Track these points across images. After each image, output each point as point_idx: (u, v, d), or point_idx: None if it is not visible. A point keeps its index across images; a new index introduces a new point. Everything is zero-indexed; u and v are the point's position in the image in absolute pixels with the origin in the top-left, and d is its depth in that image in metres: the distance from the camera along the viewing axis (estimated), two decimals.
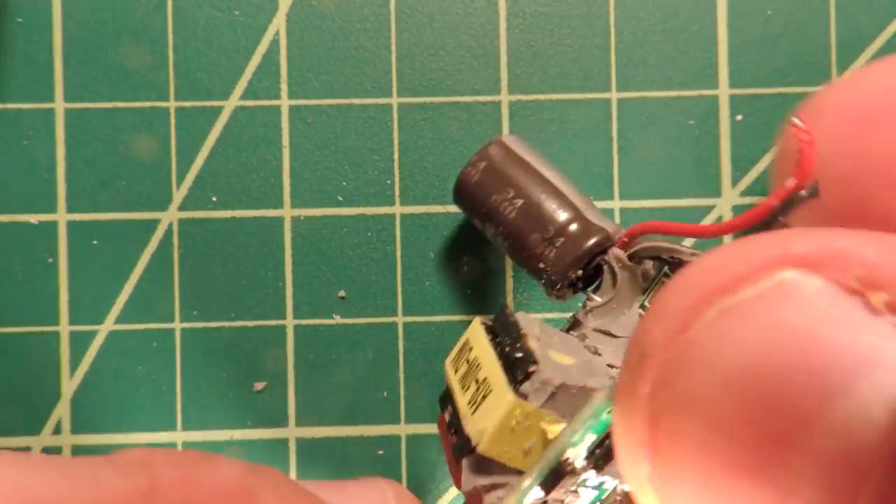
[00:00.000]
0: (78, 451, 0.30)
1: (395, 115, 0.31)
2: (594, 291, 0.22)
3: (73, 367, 0.30)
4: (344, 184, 0.31)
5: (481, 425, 0.18)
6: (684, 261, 0.21)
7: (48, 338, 0.30)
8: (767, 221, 0.17)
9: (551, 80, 0.31)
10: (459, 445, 0.19)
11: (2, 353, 0.30)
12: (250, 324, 0.30)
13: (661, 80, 0.31)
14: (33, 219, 0.30)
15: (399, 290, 0.30)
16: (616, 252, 0.22)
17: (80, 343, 0.30)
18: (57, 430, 0.30)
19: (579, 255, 0.22)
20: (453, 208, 0.31)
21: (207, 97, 0.31)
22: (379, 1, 0.31)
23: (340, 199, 0.31)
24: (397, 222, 0.30)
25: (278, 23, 0.31)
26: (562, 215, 0.23)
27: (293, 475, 0.30)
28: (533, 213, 0.23)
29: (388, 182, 0.31)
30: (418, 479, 0.30)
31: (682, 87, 0.30)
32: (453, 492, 0.30)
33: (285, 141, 0.31)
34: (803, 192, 0.16)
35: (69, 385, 0.30)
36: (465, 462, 0.18)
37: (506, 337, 0.20)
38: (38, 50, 0.30)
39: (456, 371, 0.21)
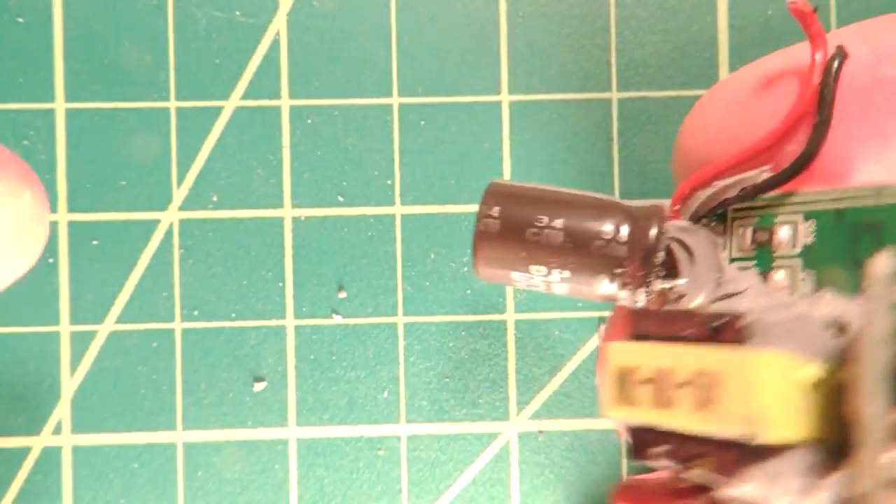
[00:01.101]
0: (78, 451, 0.30)
1: (396, 115, 0.31)
2: (672, 278, 0.20)
3: (74, 366, 0.30)
4: (344, 184, 0.31)
5: (740, 414, 0.14)
6: (755, 182, 0.19)
7: (49, 338, 0.30)
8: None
9: (551, 80, 0.31)
10: (723, 459, 0.15)
11: (2, 353, 0.30)
12: (250, 324, 0.30)
13: (661, 80, 0.31)
14: None
15: (399, 290, 0.30)
16: (675, 224, 0.20)
17: (80, 343, 0.30)
18: (57, 430, 0.30)
19: (651, 240, 0.20)
20: (453, 208, 0.31)
21: (208, 97, 0.31)
22: (379, 1, 0.31)
23: (340, 199, 0.31)
24: (397, 222, 0.31)
25: (279, 23, 0.31)
26: (607, 212, 0.21)
27: (293, 475, 0.30)
28: (581, 225, 0.21)
29: (388, 182, 0.31)
30: (418, 479, 0.30)
31: (683, 87, 0.30)
32: (453, 492, 0.30)
33: (286, 141, 0.31)
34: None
35: (69, 385, 0.30)
36: (751, 473, 0.15)
37: (668, 325, 0.17)
38: (38, 50, 0.30)
39: (636, 404, 0.17)
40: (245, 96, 0.31)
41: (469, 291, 0.30)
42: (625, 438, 0.18)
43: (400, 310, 0.30)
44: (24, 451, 0.30)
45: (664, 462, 0.17)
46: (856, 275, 0.17)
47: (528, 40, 0.31)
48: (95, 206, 0.31)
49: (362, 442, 0.30)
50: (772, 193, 0.20)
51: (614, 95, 0.31)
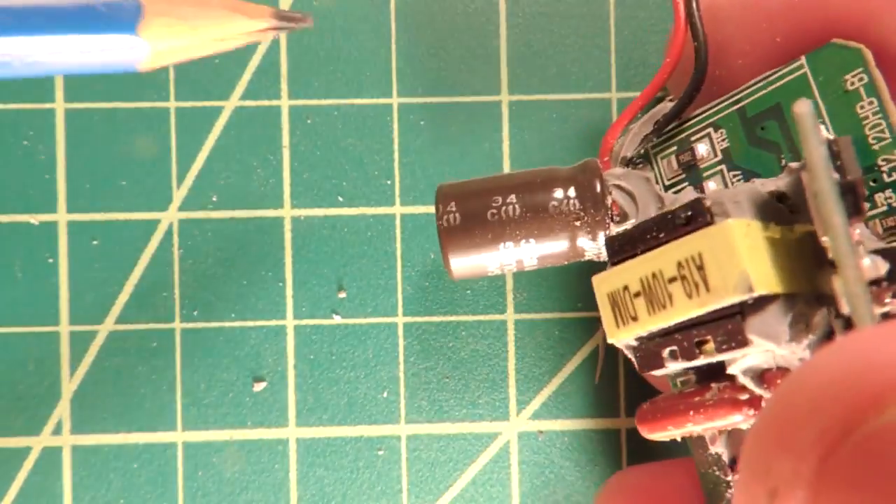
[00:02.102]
0: (78, 451, 0.30)
1: (396, 115, 0.31)
2: (623, 220, 0.22)
3: (74, 366, 0.30)
4: (344, 184, 0.31)
5: (729, 280, 0.16)
6: (664, 113, 0.22)
7: (48, 338, 0.30)
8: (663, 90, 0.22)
9: (551, 80, 0.31)
10: (726, 331, 0.17)
11: (2, 353, 0.30)
12: (250, 324, 0.30)
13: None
14: (33, 219, 0.30)
15: (399, 290, 0.30)
16: (610, 172, 0.22)
17: (80, 343, 0.30)
18: (57, 430, 0.30)
19: (597, 189, 0.22)
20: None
21: (207, 97, 0.31)
22: (379, 1, 0.31)
23: (340, 199, 0.31)
24: (397, 222, 0.31)
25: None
26: (551, 179, 0.22)
27: (293, 475, 0.30)
28: (534, 195, 0.22)
29: (388, 182, 0.31)
30: (418, 479, 0.30)
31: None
32: (453, 492, 0.30)
33: (285, 141, 0.31)
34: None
35: (69, 385, 0.30)
36: (753, 319, 0.16)
37: (643, 240, 0.18)
38: None
39: (635, 319, 0.18)
40: (245, 96, 0.31)
41: (469, 291, 0.30)
42: (632, 359, 0.19)
43: (400, 310, 0.30)
44: (24, 451, 0.30)
45: (673, 364, 0.18)
46: (776, 158, 0.20)
47: (527, 40, 0.31)
48: (95, 206, 0.31)
49: (362, 442, 0.30)
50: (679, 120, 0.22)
51: (614, 96, 0.31)
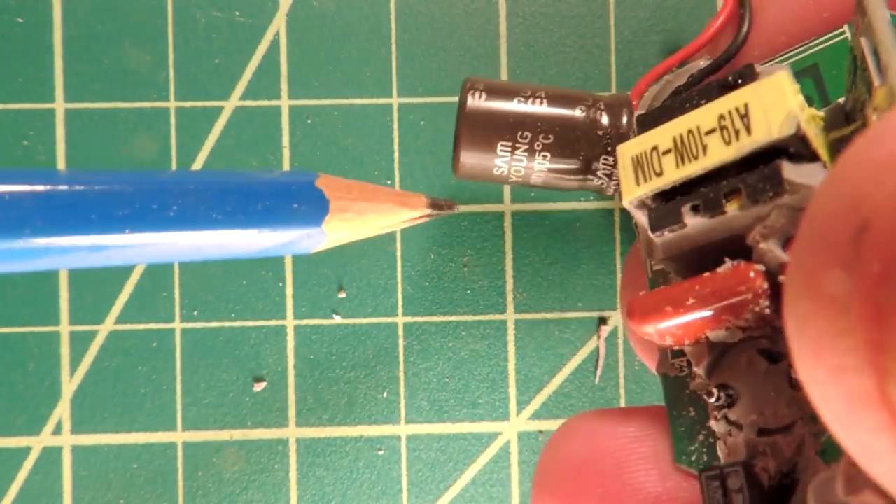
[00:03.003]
0: (78, 451, 0.30)
1: (396, 115, 0.31)
2: None
3: (74, 367, 0.30)
4: None
5: (775, 120, 0.15)
6: (700, 68, 0.22)
7: (48, 337, 0.30)
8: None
9: (552, 80, 0.31)
10: (762, 176, 0.15)
11: (2, 353, 0.30)
12: (250, 323, 0.30)
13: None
14: None
15: (399, 289, 0.30)
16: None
17: (80, 343, 0.30)
18: (57, 430, 0.30)
19: (628, 116, 0.21)
20: None
21: (207, 97, 0.31)
22: (379, 1, 0.31)
23: None
24: None
25: (278, 23, 0.31)
26: (585, 95, 0.22)
27: (293, 475, 0.30)
28: (562, 94, 0.21)
29: (389, 182, 0.31)
30: (418, 479, 0.30)
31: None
32: (453, 492, 0.30)
33: (285, 141, 0.31)
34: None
35: (69, 385, 0.30)
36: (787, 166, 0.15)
37: (682, 109, 0.17)
38: (38, 50, 0.30)
39: (659, 174, 0.17)
40: (245, 96, 0.31)
41: (469, 291, 0.30)
42: (644, 222, 0.18)
43: (400, 310, 0.30)
44: (24, 451, 0.30)
45: (693, 220, 0.17)
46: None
47: (527, 40, 0.31)
48: None
49: (362, 442, 0.30)
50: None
51: None
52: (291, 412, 0.30)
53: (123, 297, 0.30)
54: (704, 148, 0.16)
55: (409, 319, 0.30)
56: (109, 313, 0.30)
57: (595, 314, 0.30)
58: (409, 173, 0.31)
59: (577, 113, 0.21)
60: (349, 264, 0.31)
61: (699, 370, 0.18)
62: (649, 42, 0.31)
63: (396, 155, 0.31)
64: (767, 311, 0.15)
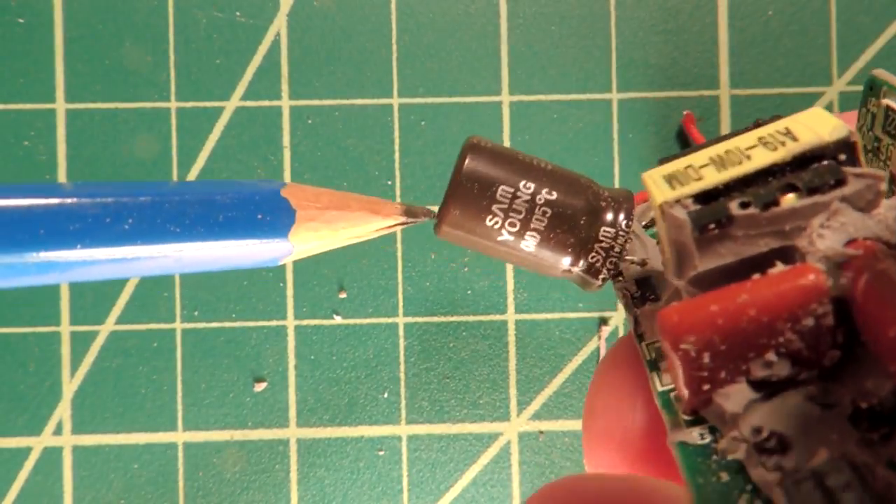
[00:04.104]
0: (79, 451, 0.30)
1: (396, 116, 0.31)
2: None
3: (74, 367, 0.30)
4: (344, 184, 0.31)
5: (823, 130, 0.15)
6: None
7: (49, 338, 0.30)
8: None
9: (552, 80, 0.31)
10: (819, 170, 0.15)
11: (3, 353, 0.30)
12: (251, 324, 0.30)
13: (661, 80, 0.31)
14: None
15: (399, 290, 0.30)
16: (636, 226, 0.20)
17: (81, 343, 0.30)
18: (58, 431, 0.30)
19: (630, 216, 0.20)
20: None
21: (208, 97, 0.31)
22: (380, 1, 0.31)
23: None
24: None
25: (279, 23, 0.31)
26: (587, 180, 0.21)
27: (294, 476, 0.30)
28: (566, 175, 0.20)
29: (389, 182, 0.31)
30: (419, 479, 0.30)
31: (683, 88, 0.30)
32: (454, 492, 0.30)
33: (286, 141, 0.31)
34: None
35: (70, 385, 0.30)
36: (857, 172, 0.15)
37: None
38: (39, 50, 0.30)
39: (699, 179, 0.16)
40: (245, 96, 0.31)
41: (470, 292, 0.30)
42: (685, 219, 0.16)
43: (400, 310, 0.30)
44: (25, 451, 0.30)
45: (743, 213, 0.15)
46: None
47: (528, 41, 0.31)
48: None
49: (363, 442, 0.30)
50: None
51: (614, 96, 0.31)
52: (292, 412, 0.30)
53: (124, 297, 0.30)
54: (748, 157, 0.16)
55: (410, 320, 0.30)
56: (110, 314, 0.30)
57: (595, 315, 0.30)
58: (410, 173, 0.31)
59: (581, 202, 0.20)
60: (350, 265, 0.31)
61: (738, 410, 0.16)
62: (650, 43, 0.31)
63: (397, 155, 0.31)
64: (829, 319, 0.14)
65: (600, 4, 0.31)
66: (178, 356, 0.30)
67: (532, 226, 0.20)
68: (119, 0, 0.31)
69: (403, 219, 0.21)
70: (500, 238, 0.20)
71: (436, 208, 0.20)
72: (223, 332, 0.30)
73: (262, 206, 0.18)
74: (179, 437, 0.30)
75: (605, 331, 0.30)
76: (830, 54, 0.30)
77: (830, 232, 0.15)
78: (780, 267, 0.15)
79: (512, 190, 0.20)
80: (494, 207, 0.20)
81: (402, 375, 0.30)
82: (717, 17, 0.31)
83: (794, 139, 0.15)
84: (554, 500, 0.16)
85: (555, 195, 0.20)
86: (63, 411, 0.30)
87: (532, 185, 0.20)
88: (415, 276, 0.30)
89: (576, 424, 0.30)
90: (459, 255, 0.31)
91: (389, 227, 0.21)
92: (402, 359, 0.30)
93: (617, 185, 0.30)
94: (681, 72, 0.31)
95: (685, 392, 0.15)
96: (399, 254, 0.31)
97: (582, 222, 0.20)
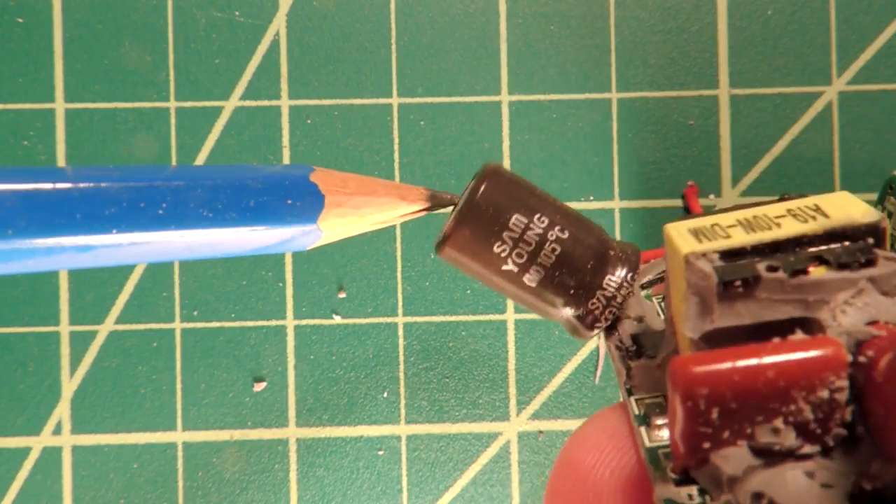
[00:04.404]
0: (78, 451, 0.30)
1: (396, 116, 0.31)
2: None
3: (74, 367, 0.30)
4: None
5: (854, 212, 0.16)
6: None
7: (49, 338, 0.30)
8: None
9: (551, 80, 0.31)
10: (851, 249, 0.15)
11: (2, 353, 0.30)
12: (250, 324, 0.30)
13: (661, 80, 0.31)
14: None
15: (399, 290, 0.30)
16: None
17: (80, 343, 0.30)
18: (57, 430, 0.30)
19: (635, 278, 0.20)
20: None
21: (208, 97, 0.31)
22: (379, 1, 0.31)
23: None
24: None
25: (278, 23, 0.31)
26: (599, 228, 0.21)
27: (293, 476, 0.30)
28: (579, 218, 0.20)
29: None
30: (418, 479, 0.30)
31: (682, 88, 0.30)
32: (453, 492, 0.30)
33: (285, 141, 0.31)
34: None
35: (69, 385, 0.30)
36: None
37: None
38: (38, 50, 0.30)
39: (727, 238, 0.16)
40: (245, 96, 0.31)
41: (469, 291, 0.30)
42: (709, 273, 0.16)
43: (400, 310, 0.30)
44: (25, 451, 0.30)
45: (771, 276, 0.15)
46: None
47: (527, 41, 0.31)
48: None
49: (362, 442, 0.30)
50: None
51: (614, 96, 0.31)
52: (291, 412, 0.30)
53: (124, 297, 0.30)
54: (777, 224, 0.16)
55: (410, 319, 0.30)
56: (109, 313, 0.30)
57: None
58: (409, 173, 0.31)
59: (593, 242, 0.20)
60: (349, 264, 0.31)
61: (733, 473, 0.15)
62: (649, 42, 0.31)
63: (396, 155, 0.31)
64: (843, 394, 0.14)
65: (599, 4, 0.31)
66: (177, 356, 0.30)
67: (539, 260, 0.19)
68: (118, 0, 0.31)
69: (428, 204, 0.20)
70: (504, 267, 0.19)
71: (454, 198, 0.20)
72: (223, 332, 0.30)
73: (292, 191, 0.18)
74: (179, 436, 0.30)
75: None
76: (830, 54, 0.30)
77: (854, 310, 0.15)
78: (800, 335, 0.15)
79: (526, 221, 0.19)
80: (505, 235, 0.19)
81: (401, 375, 0.30)
82: (716, 17, 0.31)
83: (825, 216, 0.16)
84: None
85: (567, 234, 0.19)
86: (62, 411, 0.30)
87: (546, 220, 0.19)
88: (414, 275, 0.30)
89: (575, 424, 0.30)
90: None
91: (415, 212, 0.20)
92: (401, 358, 0.30)
93: (616, 186, 0.31)
94: (680, 71, 0.31)
95: (681, 448, 0.15)
96: (398, 253, 0.31)
97: (588, 267, 0.19)
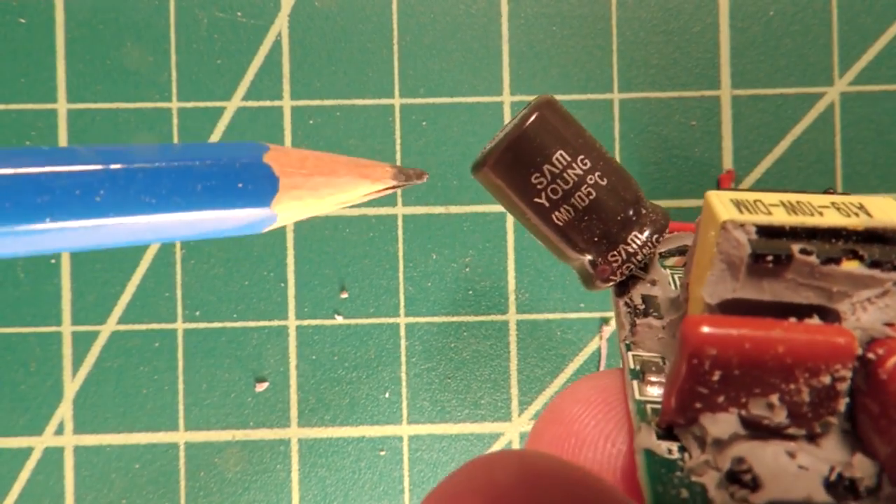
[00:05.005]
0: (80, 451, 0.30)
1: (398, 116, 0.31)
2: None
3: (76, 367, 0.30)
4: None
5: (891, 217, 0.16)
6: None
7: (51, 338, 0.30)
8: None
9: (553, 80, 0.31)
10: (885, 248, 0.16)
11: (4, 354, 0.30)
12: (252, 324, 0.30)
13: (662, 80, 0.31)
14: None
15: (401, 290, 0.30)
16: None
17: (82, 343, 0.30)
18: (59, 430, 0.30)
19: (661, 238, 0.20)
20: (455, 209, 0.31)
21: (209, 97, 0.31)
22: (381, 2, 0.31)
23: None
24: (399, 223, 0.31)
25: (280, 23, 0.31)
26: (637, 185, 0.20)
27: (295, 476, 0.30)
28: (621, 170, 0.20)
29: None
30: (420, 479, 0.30)
31: (684, 88, 0.31)
32: None
33: (287, 141, 0.31)
34: None
35: (71, 385, 0.30)
36: None
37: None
38: (40, 50, 0.30)
39: (768, 214, 0.16)
40: (247, 97, 0.31)
41: (471, 292, 0.31)
42: (743, 243, 0.16)
43: (402, 310, 0.30)
44: (27, 451, 0.30)
45: (804, 259, 0.16)
46: None
47: (529, 41, 0.31)
48: None
49: (364, 442, 0.30)
50: None
51: (616, 96, 0.31)
52: (293, 412, 0.30)
53: (126, 297, 0.30)
54: (820, 213, 0.16)
55: (411, 320, 0.30)
56: (111, 314, 0.30)
57: (597, 315, 0.30)
58: None
59: (632, 195, 0.20)
60: (351, 265, 0.31)
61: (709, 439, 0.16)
62: (651, 43, 0.31)
63: (398, 155, 0.31)
64: (844, 384, 0.15)
65: (601, 5, 0.31)
66: (179, 356, 0.30)
67: (572, 201, 0.19)
68: (120, 0, 0.31)
69: (394, 182, 0.20)
70: (536, 199, 0.19)
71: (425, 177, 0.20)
72: (224, 333, 0.30)
73: (243, 174, 0.17)
74: (181, 437, 0.30)
75: (607, 331, 0.30)
76: (832, 55, 0.30)
77: (874, 308, 0.15)
78: (816, 320, 0.15)
79: (569, 159, 0.19)
80: (545, 168, 0.19)
81: (403, 375, 0.30)
82: (718, 18, 0.31)
83: (869, 214, 0.16)
84: (505, 471, 0.17)
85: (605, 181, 0.19)
86: (64, 411, 0.30)
87: (589, 163, 0.19)
88: (416, 276, 0.30)
89: None
90: (461, 256, 0.31)
91: (380, 191, 0.20)
92: (403, 359, 0.30)
93: None
94: (682, 72, 0.31)
95: (672, 403, 0.16)
96: (400, 254, 0.31)
97: (618, 219, 0.19)
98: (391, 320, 0.30)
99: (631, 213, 0.20)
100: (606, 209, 0.19)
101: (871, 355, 0.15)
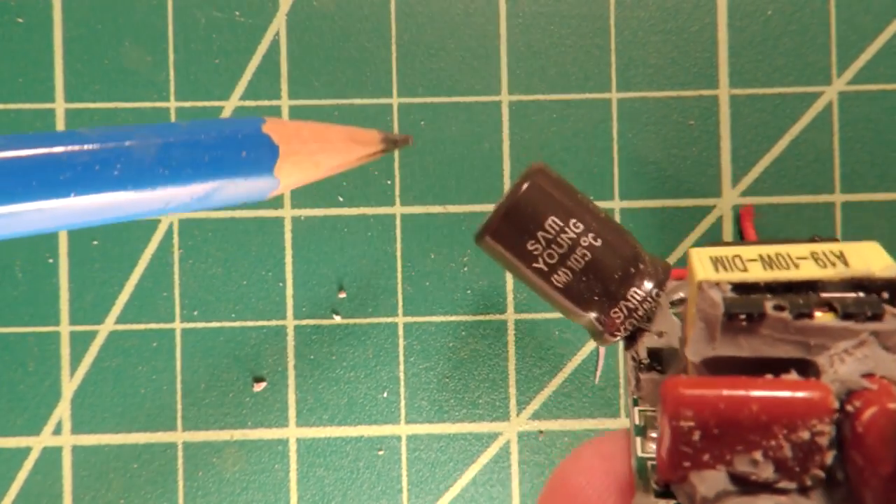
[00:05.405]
0: (78, 451, 0.30)
1: (396, 115, 0.31)
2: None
3: (74, 367, 0.30)
4: (344, 184, 0.31)
5: (875, 265, 0.16)
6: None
7: (49, 338, 0.30)
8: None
9: (551, 80, 0.31)
10: (860, 300, 0.16)
11: (2, 353, 0.30)
12: (250, 324, 0.30)
13: (661, 80, 0.31)
14: None
15: (399, 290, 0.30)
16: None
17: (80, 343, 0.30)
18: (57, 430, 0.30)
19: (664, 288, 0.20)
20: (453, 208, 0.31)
21: (208, 97, 0.31)
22: (379, 1, 0.31)
23: (341, 199, 0.31)
24: (397, 222, 0.31)
25: (279, 23, 0.31)
26: (633, 240, 0.20)
27: (293, 476, 0.30)
28: (615, 228, 0.20)
29: (389, 182, 0.31)
30: (418, 479, 0.30)
31: (683, 88, 0.31)
32: (453, 492, 0.30)
33: None
34: None
35: (69, 385, 0.30)
36: None
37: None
38: (38, 50, 0.30)
39: (744, 271, 0.16)
40: (245, 96, 0.31)
41: (469, 291, 0.31)
42: (718, 303, 0.16)
43: (400, 310, 0.30)
44: (25, 451, 0.30)
45: (776, 315, 0.16)
46: None
47: (527, 40, 0.31)
48: None
49: (362, 442, 0.30)
50: None
51: (614, 96, 0.31)
52: (292, 412, 0.30)
53: (124, 296, 0.30)
54: (796, 265, 0.16)
55: (410, 319, 0.30)
56: (110, 313, 0.30)
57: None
58: (409, 173, 0.31)
59: (627, 251, 0.20)
60: (349, 264, 0.31)
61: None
62: (649, 42, 0.31)
63: (397, 155, 0.31)
64: (825, 439, 0.15)
65: (599, 4, 0.31)
66: (177, 356, 0.30)
67: (568, 263, 0.20)
68: (118, 0, 0.31)
69: (383, 146, 0.21)
70: (534, 265, 0.20)
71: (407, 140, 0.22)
72: (223, 332, 0.30)
73: (245, 143, 0.18)
74: (179, 436, 0.30)
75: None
76: (830, 54, 0.30)
77: (852, 360, 0.15)
78: (794, 375, 0.15)
79: (561, 224, 0.20)
80: (539, 235, 0.20)
81: (401, 375, 0.30)
82: (716, 17, 0.31)
83: (846, 264, 0.16)
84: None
85: (599, 242, 0.20)
86: (62, 411, 0.30)
87: (581, 226, 0.20)
88: (414, 275, 0.30)
89: (576, 424, 0.30)
90: (459, 255, 0.31)
91: (370, 154, 0.21)
92: (401, 358, 0.30)
93: (616, 186, 0.31)
94: (680, 71, 0.31)
95: (665, 461, 0.16)
96: (398, 254, 0.31)
97: (615, 276, 0.20)
98: (389, 320, 0.30)
99: (628, 269, 0.20)
100: (603, 268, 0.20)
101: (850, 408, 0.15)
